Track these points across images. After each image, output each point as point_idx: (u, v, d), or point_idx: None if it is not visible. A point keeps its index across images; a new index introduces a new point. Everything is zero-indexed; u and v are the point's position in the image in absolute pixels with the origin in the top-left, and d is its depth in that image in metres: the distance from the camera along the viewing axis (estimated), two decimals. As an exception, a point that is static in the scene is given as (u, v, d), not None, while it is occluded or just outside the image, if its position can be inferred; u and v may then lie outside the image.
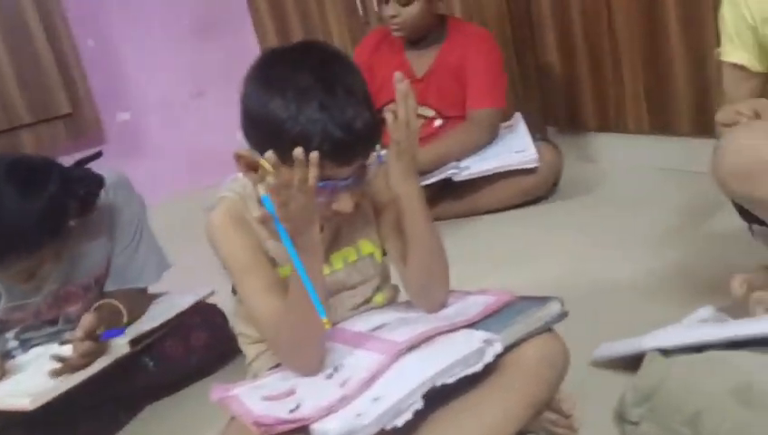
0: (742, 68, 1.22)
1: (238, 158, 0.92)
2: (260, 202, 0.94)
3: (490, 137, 2.05)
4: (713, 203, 1.22)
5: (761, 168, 1.01)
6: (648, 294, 1.37)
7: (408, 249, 1.00)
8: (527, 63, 2.36)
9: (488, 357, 0.85)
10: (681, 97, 1.90)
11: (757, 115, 1.04)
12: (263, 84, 0.91)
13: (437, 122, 2.14)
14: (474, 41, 2.08)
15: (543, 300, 0.95)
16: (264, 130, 0.90)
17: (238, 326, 1.10)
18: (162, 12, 3.13)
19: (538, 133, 2.15)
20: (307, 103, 0.86)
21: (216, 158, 3.11)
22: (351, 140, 0.87)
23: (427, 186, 1.96)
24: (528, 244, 1.79)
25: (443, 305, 1.02)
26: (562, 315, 0.94)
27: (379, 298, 1.07)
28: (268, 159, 0.82)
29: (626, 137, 2.15)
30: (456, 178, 1.97)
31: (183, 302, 1.42)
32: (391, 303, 1.08)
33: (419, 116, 2.11)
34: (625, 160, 2.18)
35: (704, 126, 1.86)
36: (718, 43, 1.68)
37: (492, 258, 1.74)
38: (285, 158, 0.83)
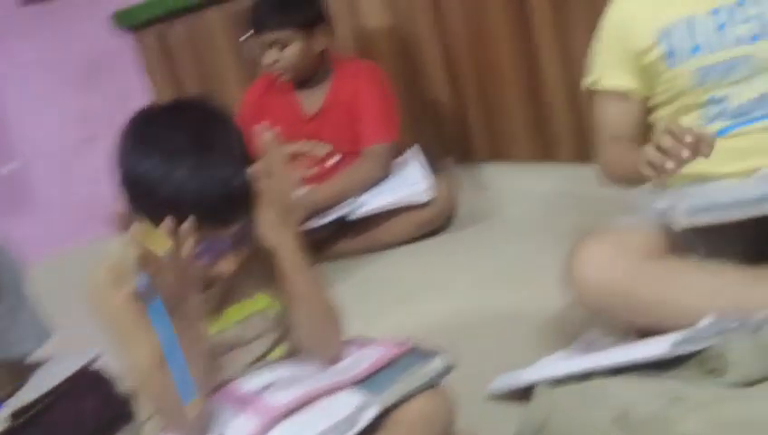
0: (623, 94, 1.24)
1: (115, 217, 0.89)
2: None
3: (384, 171, 2.06)
4: (595, 227, 1.27)
5: (614, 298, 1.05)
6: (545, 322, 1.40)
7: (291, 303, 0.98)
8: (419, 96, 2.41)
9: (361, 423, 0.85)
10: (561, 126, 1.99)
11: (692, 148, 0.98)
12: (137, 143, 0.89)
13: (334, 159, 2.14)
14: (363, 75, 2.10)
15: (429, 355, 0.95)
16: (137, 191, 0.88)
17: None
18: (46, 56, 3.01)
19: (433, 165, 2.19)
20: (181, 164, 0.84)
21: (108, 209, 3.02)
22: (228, 202, 0.85)
23: (324, 226, 1.97)
24: (429, 277, 1.81)
25: (338, 357, 1.00)
26: (447, 371, 0.94)
27: (278, 352, 1.04)
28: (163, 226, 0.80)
29: (515, 165, 2.23)
30: (353, 217, 1.98)
31: (68, 367, 1.35)
32: (293, 354, 1.06)
33: (312, 155, 2.14)
34: (516, 187, 2.24)
35: (583, 152, 1.96)
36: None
37: (394, 294, 1.74)
38: (160, 220, 0.80)
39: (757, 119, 1.17)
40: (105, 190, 3.41)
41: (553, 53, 1.93)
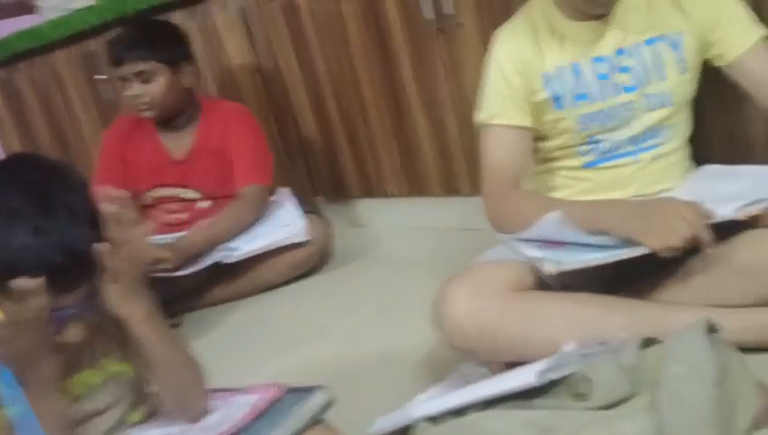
0: (516, 129, 1.24)
1: None
2: None
3: (258, 214, 2.02)
4: (466, 257, 1.30)
5: (482, 337, 1.08)
6: (423, 358, 1.40)
7: (147, 367, 0.93)
8: (289, 137, 2.40)
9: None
10: (429, 163, 2.05)
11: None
12: None
13: (205, 204, 2.08)
14: (232, 118, 2.06)
15: (308, 392, 0.93)
16: None
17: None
18: None
19: (307, 205, 2.18)
20: (20, 227, 0.78)
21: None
22: (71, 268, 0.80)
23: (196, 273, 1.90)
24: (307, 319, 1.78)
25: (204, 413, 0.96)
26: (328, 405, 0.93)
27: (135, 416, 0.98)
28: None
29: (387, 201, 2.26)
30: (227, 261, 1.92)
31: None
32: (153, 416, 1.00)
33: (182, 199, 2.07)
34: (389, 223, 2.29)
35: (450, 186, 2.03)
36: (461, 113, 1.88)
37: (272, 338, 1.71)
38: (2, 287, 0.74)
39: (620, 156, 1.26)
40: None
41: (416, 92, 1.99)
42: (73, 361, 0.92)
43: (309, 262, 2.01)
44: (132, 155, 2.04)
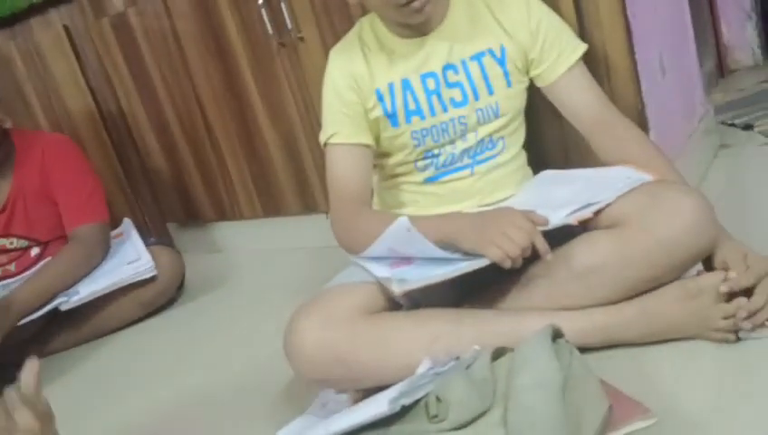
0: (358, 147, 1.24)
1: None
2: None
3: (98, 255, 1.85)
4: (327, 277, 1.26)
5: (334, 367, 1.04)
6: (285, 389, 1.32)
7: None
8: (132, 165, 2.26)
9: None
10: (282, 181, 1.99)
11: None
12: None
13: (34, 251, 1.89)
14: (52, 151, 1.87)
15: None
16: None
17: None
18: None
19: (155, 236, 2.04)
20: None
21: None
22: None
23: (34, 320, 1.72)
24: (160, 358, 1.66)
25: None
26: None
27: None
28: None
29: (242, 223, 2.17)
30: (66, 307, 1.75)
31: None
32: None
33: (8, 250, 1.86)
34: (246, 246, 2.20)
35: (307, 204, 1.98)
36: (310, 128, 1.83)
37: (124, 382, 1.58)
38: None
39: (457, 169, 1.28)
40: None
41: (264, 109, 1.92)
42: None
43: (159, 298, 1.88)
44: None
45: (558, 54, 1.22)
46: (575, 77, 1.23)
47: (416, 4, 1.12)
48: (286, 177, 1.98)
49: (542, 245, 0.99)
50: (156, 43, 2.01)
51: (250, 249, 2.19)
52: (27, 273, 1.85)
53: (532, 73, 1.26)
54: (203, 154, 2.10)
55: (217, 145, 2.06)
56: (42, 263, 1.85)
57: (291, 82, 1.84)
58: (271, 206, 2.06)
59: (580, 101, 1.23)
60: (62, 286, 1.77)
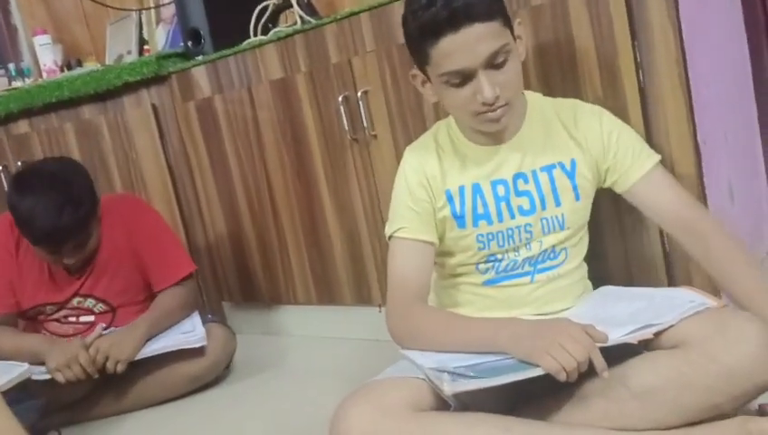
0: (423, 244, 1.27)
1: None
2: None
3: (195, 305, 1.96)
4: (375, 370, 1.26)
5: None
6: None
7: None
8: (197, 241, 2.33)
9: None
10: (340, 271, 2.02)
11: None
12: None
13: (99, 310, 1.94)
14: (131, 212, 1.95)
15: None
16: None
17: None
18: None
19: (210, 314, 2.08)
20: None
21: None
22: None
23: (82, 383, 1.75)
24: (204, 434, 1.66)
25: None
26: None
27: None
28: None
29: (297, 308, 2.20)
30: (120, 369, 1.75)
31: None
32: None
33: (83, 310, 1.92)
34: (298, 331, 2.21)
35: (362, 296, 1.99)
36: (373, 223, 1.88)
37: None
38: None
39: (517, 276, 1.28)
40: None
41: (330, 199, 1.98)
42: None
43: (207, 374, 1.88)
44: (27, 269, 1.87)
45: (632, 161, 1.24)
46: (653, 181, 1.23)
47: (492, 115, 1.16)
48: (344, 267, 2.01)
49: (599, 361, 0.98)
50: (236, 128, 2.12)
51: (301, 334, 2.20)
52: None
53: (609, 181, 1.27)
54: (266, 237, 2.16)
55: (281, 230, 2.12)
56: (99, 326, 1.88)
57: (359, 177, 1.90)
58: (326, 294, 2.08)
59: (661, 203, 1.23)
60: (167, 326, 1.87)
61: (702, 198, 1.37)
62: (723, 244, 1.16)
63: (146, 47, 2.78)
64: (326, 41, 1.88)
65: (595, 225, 1.35)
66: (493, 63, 1.13)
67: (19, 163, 2.45)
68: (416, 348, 1.18)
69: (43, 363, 1.74)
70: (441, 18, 1.10)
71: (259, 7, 2.11)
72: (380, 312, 1.93)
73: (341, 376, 1.79)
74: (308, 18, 2.00)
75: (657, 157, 1.26)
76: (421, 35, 1.14)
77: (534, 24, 1.47)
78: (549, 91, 1.40)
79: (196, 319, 1.92)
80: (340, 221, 1.98)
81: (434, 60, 1.15)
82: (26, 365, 1.67)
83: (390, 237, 1.30)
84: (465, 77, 1.14)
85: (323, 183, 1.98)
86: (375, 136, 1.82)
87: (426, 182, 1.28)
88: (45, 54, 2.76)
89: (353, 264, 1.99)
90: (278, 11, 2.15)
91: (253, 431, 1.61)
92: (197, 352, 1.84)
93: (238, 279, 2.28)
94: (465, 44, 1.11)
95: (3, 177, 2.52)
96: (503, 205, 1.26)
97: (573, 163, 1.26)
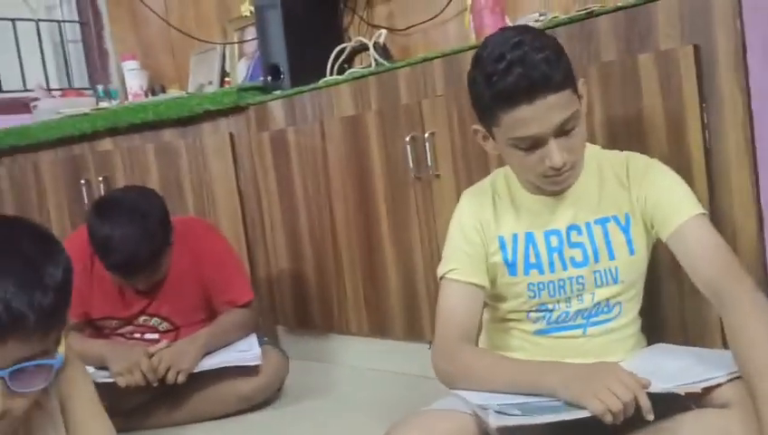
0: (474, 287, 1.27)
1: None
2: None
3: (250, 331, 2.02)
4: (422, 405, 1.28)
5: None
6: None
7: None
8: (259, 263, 2.42)
9: None
10: (394, 305, 2.07)
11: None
12: None
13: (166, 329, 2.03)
14: (199, 237, 2.03)
15: None
16: None
17: None
18: None
19: (266, 337, 2.15)
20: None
21: None
22: (5, 304, 0.77)
23: (142, 390, 1.83)
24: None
25: None
26: None
27: None
28: None
29: (349, 338, 2.25)
30: (181, 379, 1.83)
31: None
32: None
33: (148, 329, 2.01)
34: (347, 360, 2.26)
35: (413, 331, 2.03)
36: (430, 260, 1.92)
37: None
38: None
39: (570, 328, 1.29)
40: None
41: (389, 234, 2.04)
42: None
43: (258, 395, 1.94)
44: (97, 285, 1.95)
45: (671, 210, 1.21)
46: (690, 232, 1.18)
47: (558, 178, 1.19)
48: (398, 301, 2.06)
49: (645, 402, 0.99)
50: (305, 159, 2.21)
51: (351, 364, 2.24)
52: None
53: (655, 229, 1.24)
54: (324, 266, 2.23)
55: (340, 260, 2.18)
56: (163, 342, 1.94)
57: (420, 214, 1.96)
58: (378, 326, 2.13)
59: (695, 257, 1.18)
60: (224, 343, 1.95)
61: (762, 263, 1.37)
62: (745, 321, 1.07)
63: (227, 79, 2.93)
64: (398, 83, 1.96)
65: (653, 279, 1.36)
66: (563, 131, 1.15)
67: (100, 178, 2.61)
68: (462, 389, 1.20)
69: (106, 368, 1.83)
70: (518, 89, 1.10)
71: (337, 48, 2.23)
72: (430, 348, 1.96)
73: (388, 409, 1.81)
74: (382, 61, 2.10)
75: (700, 210, 1.21)
76: (494, 101, 1.15)
77: (603, 80, 1.52)
78: (614, 146, 1.42)
79: (253, 339, 1.99)
80: (398, 256, 2.03)
81: (504, 125, 1.16)
82: (91, 369, 1.76)
83: (442, 278, 1.31)
84: (534, 143, 1.15)
85: (384, 218, 2.04)
86: (438, 176, 1.88)
87: (480, 227, 1.30)
88: (132, 79, 2.95)
89: (407, 299, 2.03)
90: (354, 53, 2.25)
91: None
92: (252, 372, 1.90)
93: (294, 305, 2.35)
94: (539, 114, 1.11)
95: (84, 191, 2.67)
96: (555, 255, 1.26)
97: (627, 217, 1.26)
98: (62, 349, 0.85)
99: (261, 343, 1.98)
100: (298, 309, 2.34)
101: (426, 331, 2.00)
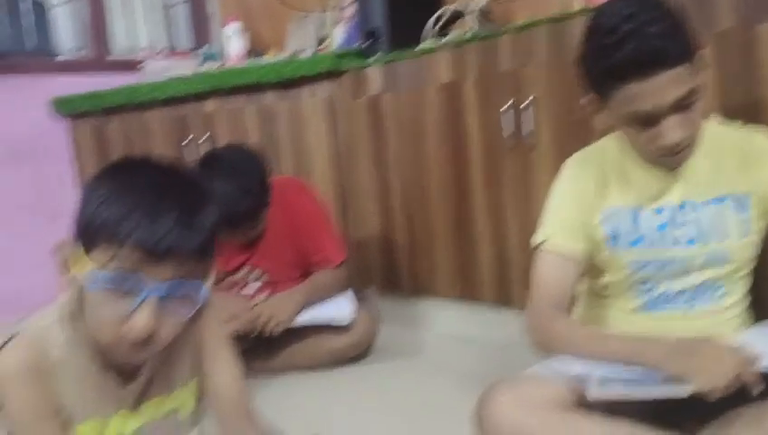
0: (571, 258, 1.25)
1: (58, 248, 0.90)
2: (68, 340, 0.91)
3: (342, 290, 2.08)
4: (511, 372, 1.30)
5: None
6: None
7: (210, 397, 1.03)
8: (350, 226, 2.47)
9: None
10: (484, 270, 2.08)
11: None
12: (91, 182, 0.90)
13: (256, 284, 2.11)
14: (295, 196, 2.09)
15: None
16: (78, 215, 0.89)
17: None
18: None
19: (357, 295, 2.21)
20: (126, 196, 0.86)
21: (10, 295, 2.88)
22: (168, 229, 0.84)
23: (240, 339, 1.92)
24: (335, 408, 1.76)
25: None
26: None
27: None
28: None
29: (437, 302, 2.28)
30: (278, 330, 1.93)
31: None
32: None
33: (251, 283, 2.09)
34: (436, 324, 2.30)
35: (504, 296, 2.04)
36: (523, 227, 1.93)
37: (296, 421, 1.69)
38: (94, 247, 0.84)
39: (671, 307, 1.26)
40: (3, 277, 3.27)
41: (482, 200, 2.05)
42: (150, 382, 0.98)
43: (350, 351, 2.01)
44: None
45: None
46: None
47: (673, 156, 1.16)
48: (489, 268, 2.07)
49: (751, 376, 0.97)
50: (400, 125, 2.24)
51: (439, 328, 2.28)
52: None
53: None
54: (416, 231, 2.26)
55: (431, 226, 2.21)
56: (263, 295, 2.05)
57: (514, 182, 1.95)
58: (468, 290, 2.15)
59: None
60: (319, 300, 2.02)
61: None
62: None
63: (323, 45, 2.97)
64: (499, 49, 1.95)
65: (763, 261, 1.30)
66: (680, 106, 1.09)
67: (204, 138, 2.71)
68: (555, 355, 1.20)
69: None
70: (630, 65, 1.06)
71: (437, 13, 2.22)
72: (521, 314, 1.97)
73: (476, 375, 1.84)
74: (483, 27, 2.08)
75: None
76: (604, 76, 1.11)
77: (719, 50, 1.46)
78: (731, 118, 1.36)
79: (346, 298, 2.06)
80: (491, 224, 2.04)
81: (615, 100, 1.12)
82: None
83: (539, 246, 1.29)
84: (647, 119, 1.11)
85: (478, 185, 2.05)
86: (536, 145, 1.87)
87: (584, 196, 1.26)
88: (234, 42, 3.03)
89: (498, 266, 2.04)
90: (454, 18, 2.24)
91: (386, 413, 1.70)
92: (344, 329, 1.98)
93: (384, 268, 2.40)
94: (652, 91, 1.07)
95: (188, 150, 2.79)
96: (662, 233, 1.22)
97: (745, 198, 1.21)
98: (208, 284, 0.91)
99: (353, 303, 2.04)
100: (388, 272, 2.39)
101: (516, 298, 2.01)
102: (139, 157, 0.95)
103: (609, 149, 1.30)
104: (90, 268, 0.85)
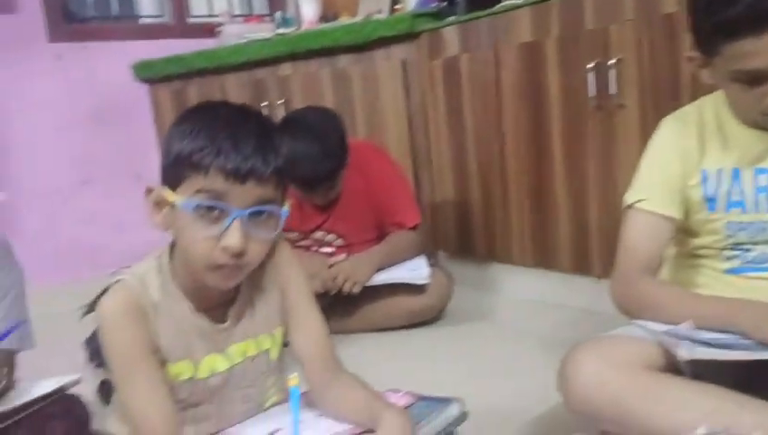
0: (664, 218, 1.22)
1: (148, 192, 0.96)
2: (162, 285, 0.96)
3: (417, 253, 2.09)
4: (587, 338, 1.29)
5: (603, 408, 1.06)
6: (527, 423, 1.39)
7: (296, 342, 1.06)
8: (424, 189, 2.47)
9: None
10: (562, 238, 2.04)
11: None
12: (174, 123, 0.95)
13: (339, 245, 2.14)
14: (371, 160, 2.10)
15: (444, 401, 0.95)
16: (163, 157, 0.94)
17: (110, 426, 1.03)
18: (60, 95, 3.08)
19: (431, 258, 2.22)
20: (208, 129, 0.91)
21: (95, 251, 3.01)
22: (249, 154, 0.90)
23: (318, 298, 1.96)
24: (411, 367, 1.78)
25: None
26: (463, 417, 0.95)
27: (271, 398, 1.06)
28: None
29: (511, 268, 2.26)
30: (356, 290, 1.96)
31: (43, 387, 1.30)
32: (283, 402, 1.06)
33: (328, 244, 2.13)
34: (509, 291, 2.28)
35: (581, 264, 2.01)
36: (604, 193, 1.88)
37: (373, 379, 1.72)
38: (182, 182, 0.90)
39: (766, 269, 1.21)
40: (93, 233, 3.42)
41: (562, 164, 2.00)
42: (235, 326, 1.03)
43: (425, 312, 2.03)
44: None
45: None
46: None
47: None
48: (566, 234, 2.03)
49: None
50: (478, 87, 2.21)
51: (511, 293, 2.27)
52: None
53: None
54: (490, 195, 2.24)
55: (507, 189, 2.18)
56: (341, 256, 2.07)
57: (597, 146, 1.90)
58: (543, 258, 2.12)
59: None
60: (395, 261, 2.04)
61: None
62: None
63: (397, 6, 2.94)
64: (583, 7, 1.88)
65: None
66: None
67: (281, 101, 2.75)
68: (643, 318, 1.18)
69: None
70: (744, 20, 1.02)
71: (518, -29, 2.16)
72: (598, 283, 1.94)
73: (549, 341, 1.82)
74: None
75: None
76: (715, 30, 1.07)
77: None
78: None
79: (422, 260, 2.07)
80: (570, 188, 2.00)
81: (725, 56, 1.08)
82: None
83: (630, 206, 1.25)
84: (757, 77, 1.07)
85: (558, 148, 2.00)
86: (622, 106, 1.81)
87: (681, 156, 1.22)
88: (308, 6, 3.04)
89: (577, 232, 2.00)
90: (536, -24, 2.17)
91: (465, 373, 1.70)
92: (419, 290, 1.99)
93: (457, 232, 2.39)
94: (766, 48, 1.03)
95: (265, 113, 2.83)
96: (762, 196, 1.18)
97: None
98: (286, 207, 0.97)
99: (428, 265, 2.05)
100: (461, 236, 2.38)
101: (594, 265, 1.97)
102: (215, 100, 1.02)
103: (706, 108, 1.26)
104: (180, 202, 0.90)
